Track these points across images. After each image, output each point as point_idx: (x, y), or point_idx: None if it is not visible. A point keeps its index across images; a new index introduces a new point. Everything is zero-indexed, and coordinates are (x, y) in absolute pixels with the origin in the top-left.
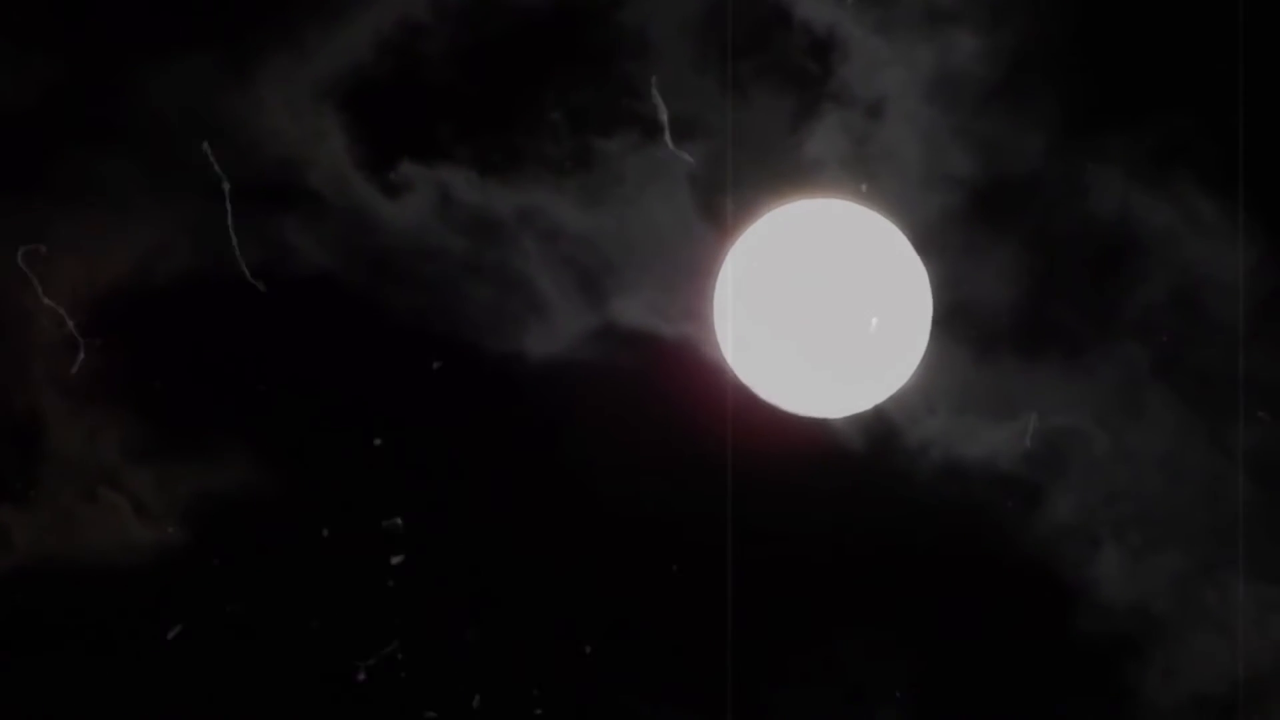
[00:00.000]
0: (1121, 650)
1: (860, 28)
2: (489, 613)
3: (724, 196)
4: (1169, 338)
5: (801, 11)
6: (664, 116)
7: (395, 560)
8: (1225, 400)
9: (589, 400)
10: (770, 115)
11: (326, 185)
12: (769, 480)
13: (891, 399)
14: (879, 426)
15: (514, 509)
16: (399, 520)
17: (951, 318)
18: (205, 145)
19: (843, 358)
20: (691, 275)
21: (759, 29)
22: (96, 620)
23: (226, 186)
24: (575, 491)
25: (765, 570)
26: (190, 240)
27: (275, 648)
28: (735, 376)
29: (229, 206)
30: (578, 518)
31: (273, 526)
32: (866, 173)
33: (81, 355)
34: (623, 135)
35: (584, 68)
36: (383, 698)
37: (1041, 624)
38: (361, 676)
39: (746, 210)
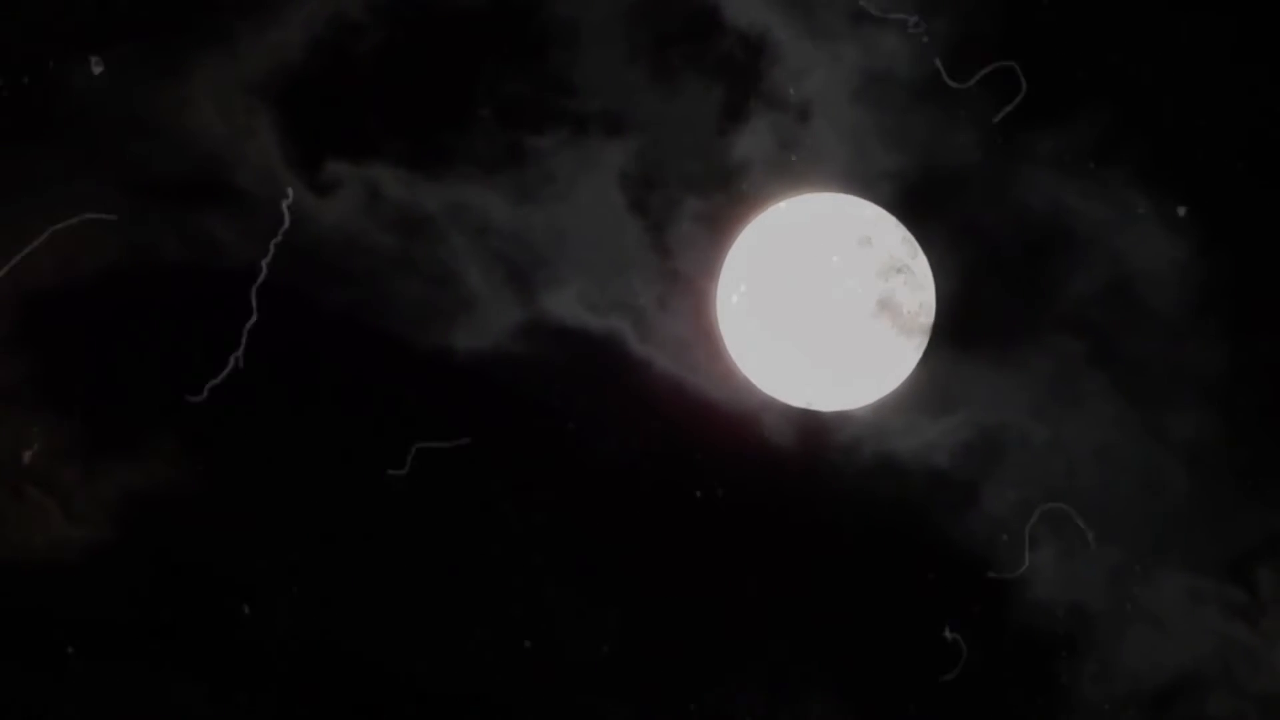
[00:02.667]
0: (1056, 643)
1: (789, 30)
2: (416, 601)
3: (648, 191)
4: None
5: (731, 12)
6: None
7: None
8: (1161, 391)
9: (517, 393)
10: (699, 111)
11: (255, 182)
12: (712, 473)
13: (822, 395)
14: (811, 422)
15: (445, 499)
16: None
17: (883, 312)
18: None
19: (839, 356)
20: (621, 269)
21: (690, 26)
22: (26, 617)
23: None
24: (504, 482)
25: (702, 565)
26: (116, 236)
27: (205, 641)
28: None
29: None
30: (506, 507)
31: (202, 522)
32: (796, 170)
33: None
34: (553, 131)
35: (515, 64)
36: (319, 692)
37: (977, 618)
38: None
39: (672, 202)
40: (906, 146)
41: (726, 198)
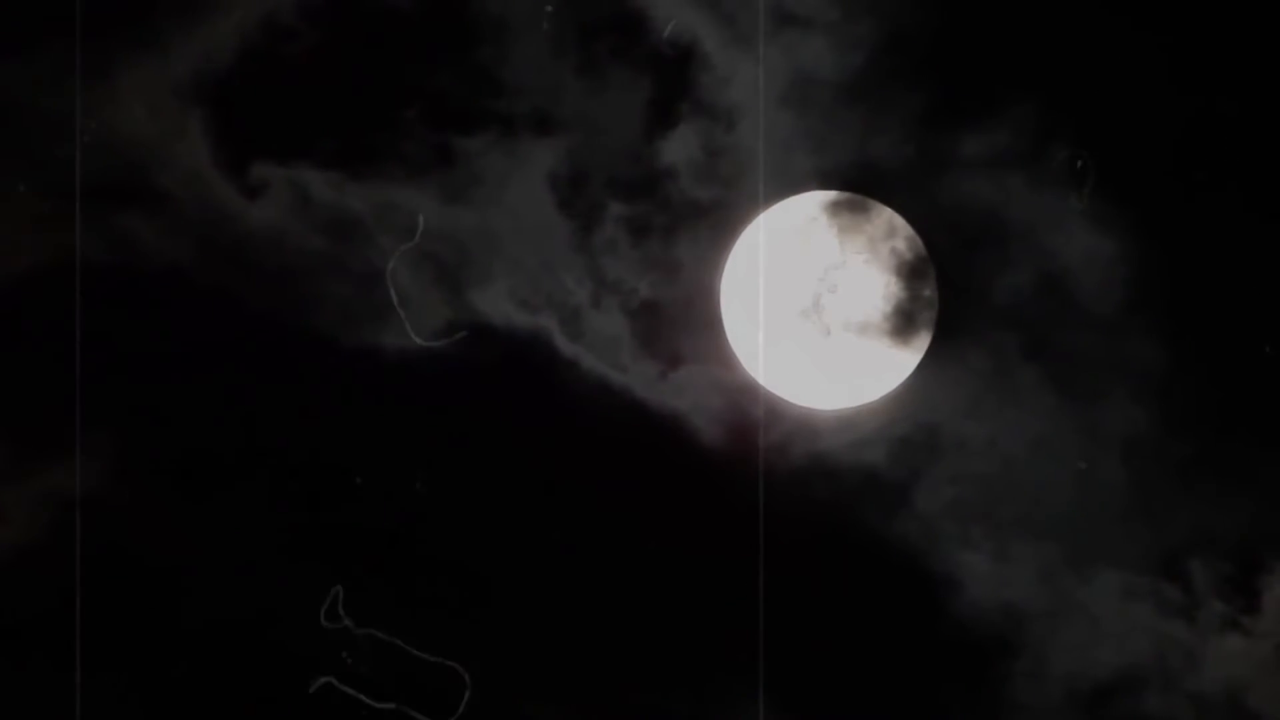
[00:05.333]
0: (992, 642)
1: (715, 36)
2: (349, 596)
3: (577, 194)
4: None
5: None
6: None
7: None
8: (1096, 386)
9: (446, 392)
10: (629, 112)
11: (183, 183)
12: (643, 475)
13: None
14: (743, 420)
15: (373, 501)
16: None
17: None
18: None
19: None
20: (549, 270)
21: (616, 28)
22: None
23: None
24: (434, 482)
25: (643, 563)
26: (39, 237)
27: (133, 645)
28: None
29: None
30: (440, 506)
31: (127, 525)
32: (724, 173)
33: None
34: (482, 133)
35: (442, 64)
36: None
37: (912, 617)
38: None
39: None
40: (835, 148)
41: (655, 199)
